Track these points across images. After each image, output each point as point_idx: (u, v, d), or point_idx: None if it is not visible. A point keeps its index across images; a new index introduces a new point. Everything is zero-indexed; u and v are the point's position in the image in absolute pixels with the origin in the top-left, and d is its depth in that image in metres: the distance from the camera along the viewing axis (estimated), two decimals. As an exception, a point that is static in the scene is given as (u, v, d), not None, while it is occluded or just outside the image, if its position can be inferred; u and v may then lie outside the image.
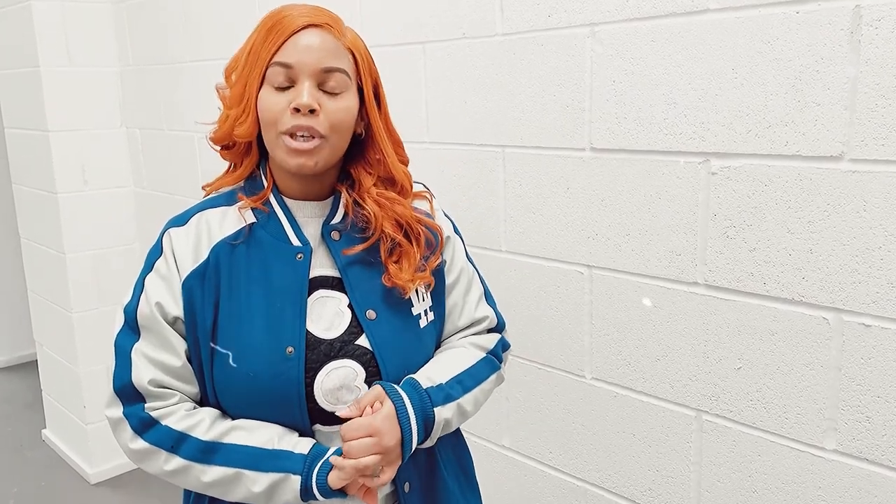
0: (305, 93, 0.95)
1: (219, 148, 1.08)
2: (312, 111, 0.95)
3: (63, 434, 3.27)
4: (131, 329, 1.01)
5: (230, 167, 1.11)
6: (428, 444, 1.02)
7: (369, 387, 1.00)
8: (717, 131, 1.27)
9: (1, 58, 3.02)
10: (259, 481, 0.95)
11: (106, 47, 2.91)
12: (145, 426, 0.97)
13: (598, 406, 1.54)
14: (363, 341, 1.01)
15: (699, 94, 1.28)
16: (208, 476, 0.96)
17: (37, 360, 3.37)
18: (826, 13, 1.12)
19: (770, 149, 1.21)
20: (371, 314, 1.02)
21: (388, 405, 0.96)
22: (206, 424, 0.97)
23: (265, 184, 1.05)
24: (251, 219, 1.04)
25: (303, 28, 0.96)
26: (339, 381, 0.99)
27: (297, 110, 0.95)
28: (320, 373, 0.98)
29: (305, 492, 0.95)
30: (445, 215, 1.17)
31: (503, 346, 1.18)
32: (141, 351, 0.99)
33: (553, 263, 1.57)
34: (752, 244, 1.26)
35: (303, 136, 0.96)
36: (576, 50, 1.45)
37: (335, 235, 1.04)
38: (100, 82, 2.91)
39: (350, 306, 1.02)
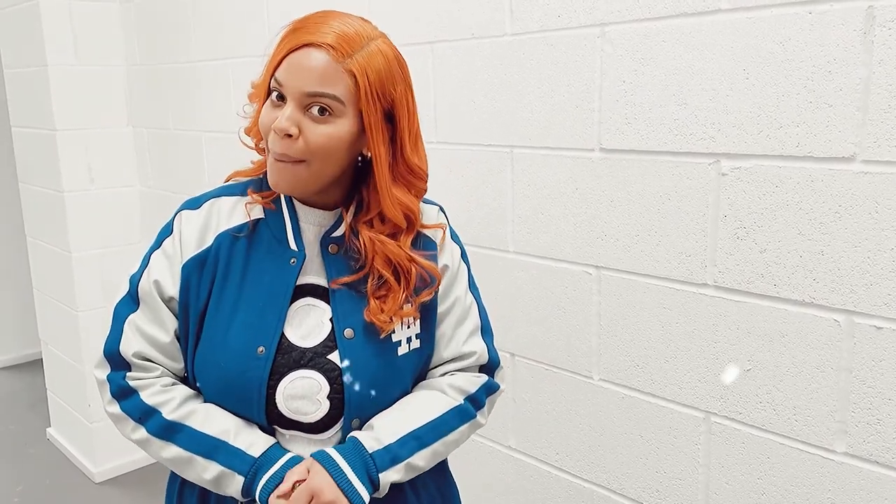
0: (283, 116, 0.93)
1: (252, 143, 1.09)
2: (289, 136, 0.94)
3: (68, 433, 3.27)
4: (132, 299, 1.04)
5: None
6: (380, 494, 1.01)
7: (331, 404, 1.00)
8: (727, 132, 1.27)
9: (9, 56, 3.03)
10: (209, 469, 0.98)
11: (113, 46, 2.91)
12: (123, 394, 1.02)
13: (606, 407, 1.54)
14: (335, 357, 1.01)
15: (710, 94, 1.28)
16: (166, 453, 1.00)
17: (42, 359, 3.37)
18: (839, 14, 1.12)
19: (781, 150, 1.21)
20: (349, 333, 1.01)
21: (316, 465, 0.97)
22: (174, 403, 1.01)
23: None
24: (258, 214, 1.05)
25: (301, 47, 0.94)
26: (301, 391, 0.99)
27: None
28: (285, 378, 0.99)
29: (247, 492, 0.98)
30: (456, 240, 1.15)
31: (488, 389, 1.12)
32: (134, 322, 1.03)
33: (561, 264, 1.56)
34: (762, 245, 1.25)
35: (283, 157, 0.96)
36: (586, 50, 1.44)
37: (332, 248, 1.04)
38: (107, 81, 2.91)
39: (332, 320, 1.02)
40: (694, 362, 1.38)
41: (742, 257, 1.28)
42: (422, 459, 1.03)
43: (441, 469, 1.17)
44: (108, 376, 1.03)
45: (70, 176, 2.85)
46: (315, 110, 0.94)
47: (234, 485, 0.98)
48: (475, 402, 1.10)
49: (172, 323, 1.03)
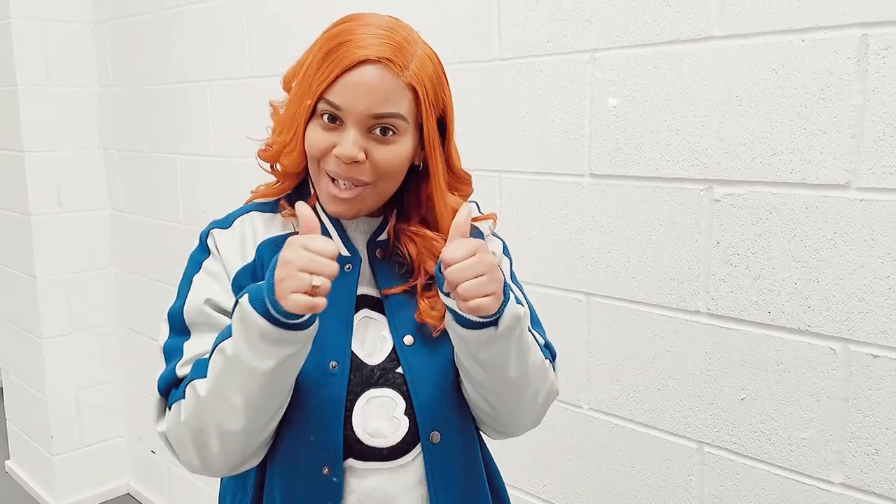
0: (349, 143, 0.88)
1: (268, 167, 1.03)
2: (356, 161, 0.89)
3: (28, 465, 3.13)
4: (178, 332, 0.94)
5: (276, 179, 1.05)
6: (500, 331, 0.88)
7: (409, 420, 0.94)
8: (720, 158, 1.26)
9: (-24, 76, 2.96)
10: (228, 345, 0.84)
11: (86, 67, 2.86)
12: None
13: (596, 438, 1.51)
14: (402, 370, 0.95)
15: (702, 120, 1.27)
16: (202, 390, 0.85)
17: (1, 388, 3.24)
18: (832, 42, 1.12)
19: (775, 176, 1.20)
20: (408, 340, 0.96)
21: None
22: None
23: (313, 191, 1.00)
24: (295, 227, 0.99)
25: (358, 64, 0.87)
26: (378, 411, 0.93)
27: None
28: (360, 398, 0.93)
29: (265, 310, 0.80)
30: (496, 235, 1.12)
31: (553, 364, 1.06)
32: (193, 347, 0.92)
33: (550, 290, 1.54)
34: (756, 272, 1.24)
35: (345, 185, 0.91)
36: (576, 75, 1.43)
37: (380, 254, 1.00)
38: (79, 102, 2.85)
39: (390, 332, 0.97)
40: (686, 391, 1.35)
41: (736, 284, 1.27)
42: (531, 341, 0.95)
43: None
44: (169, 401, 0.91)
45: (38, 198, 2.78)
46: (378, 131, 0.90)
47: (252, 322, 0.80)
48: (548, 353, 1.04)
49: None
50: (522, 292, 1.07)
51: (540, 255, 1.55)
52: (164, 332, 0.96)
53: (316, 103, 0.90)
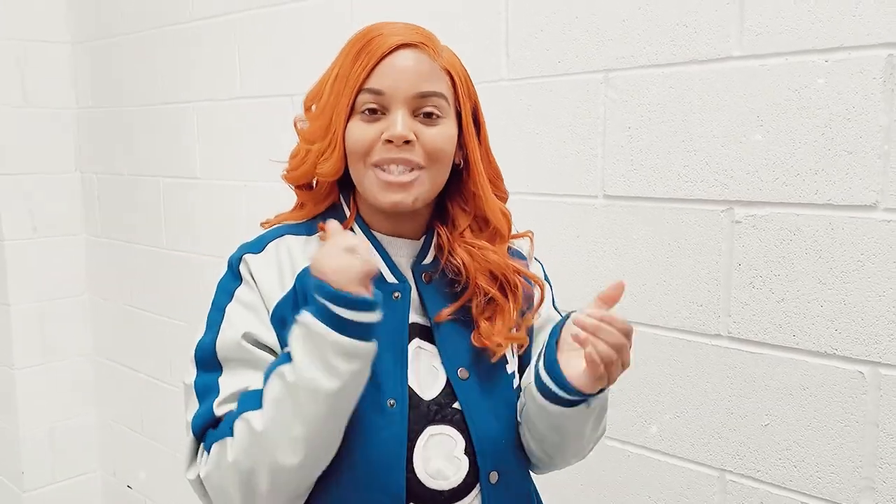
0: (399, 122, 0.85)
1: (294, 186, 0.97)
2: (408, 142, 0.86)
3: (-6, 503, 2.99)
4: (209, 369, 0.87)
5: (299, 204, 0.99)
6: (591, 407, 0.89)
7: (469, 460, 0.88)
8: (741, 179, 1.24)
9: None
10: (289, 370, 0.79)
11: (63, 88, 2.77)
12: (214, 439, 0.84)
13: (611, 466, 1.46)
14: (458, 405, 0.90)
15: (721, 141, 1.26)
16: (257, 424, 0.79)
17: (-32, 421, 3.10)
18: (856, 62, 1.12)
19: (799, 197, 1.19)
20: (463, 373, 0.91)
21: None
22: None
23: (348, 214, 0.95)
24: None
25: (395, 49, 0.86)
26: (441, 451, 0.88)
27: (391, 141, 0.86)
28: (420, 437, 0.87)
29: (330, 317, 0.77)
30: (535, 259, 1.08)
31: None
32: (230, 384, 0.85)
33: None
34: (780, 295, 1.22)
35: (398, 169, 0.87)
36: (588, 95, 1.41)
37: (426, 278, 0.94)
38: (55, 124, 2.76)
39: (442, 364, 0.91)
40: (707, 417, 1.32)
41: (758, 307, 1.24)
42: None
43: None
44: (205, 443, 0.84)
45: (10, 223, 2.67)
46: (424, 113, 0.88)
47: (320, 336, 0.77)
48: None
49: None
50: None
51: (551, 279, 1.51)
52: (192, 368, 0.89)
53: (354, 98, 0.87)
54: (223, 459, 0.81)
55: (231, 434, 0.81)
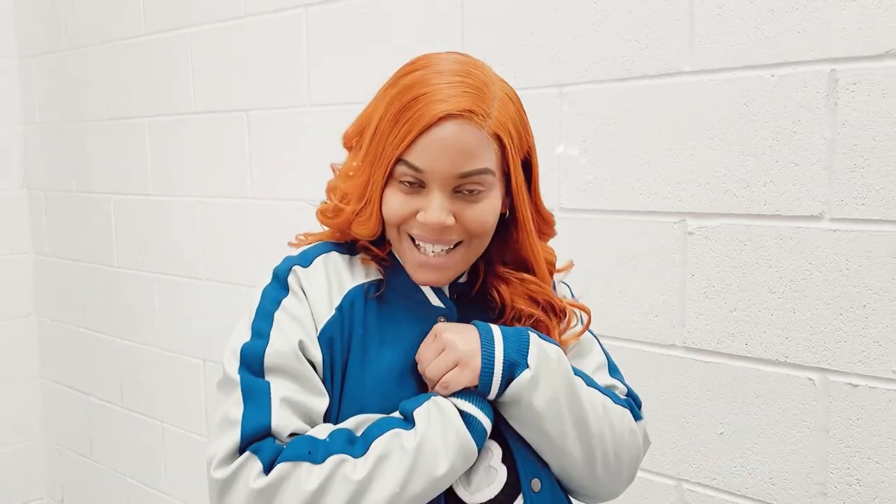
0: (437, 207, 0.81)
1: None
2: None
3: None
4: (255, 373, 0.82)
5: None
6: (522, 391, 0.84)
7: (506, 466, 0.87)
8: (693, 191, 1.27)
9: None
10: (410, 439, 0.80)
11: (9, 103, 2.71)
12: (277, 453, 0.79)
13: (569, 479, 1.46)
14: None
15: (673, 154, 1.28)
16: (361, 469, 0.77)
17: None
18: (801, 76, 1.15)
19: (749, 208, 1.21)
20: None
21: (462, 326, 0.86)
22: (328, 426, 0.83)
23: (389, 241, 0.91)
24: (376, 275, 0.90)
25: (437, 121, 0.79)
26: (476, 462, 0.85)
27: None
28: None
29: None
30: (563, 282, 1.06)
31: (636, 415, 0.96)
32: (280, 395, 0.80)
33: (518, 328, 1.51)
34: (732, 304, 1.24)
35: (434, 248, 0.84)
36: (544, 109, 1.43)
37: (457, 297, 0.92)
38: (1, 140, 2.69)
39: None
40: (663, 427, 1.33)
41: (712, 316, 1.26)
42: (585, 405, 0.87)
43: None
44: (252, 448, 0.78)
45: (-46, 242, 2.59)
46: (466, 190, 0.83)
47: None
48: (632, 408, 0.96)
49: (325, 393, 0.84)
50: (596, 338, 1.02)
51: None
52: (234, 362, 0.84)
53: (393, 166, 0.82)
54: (299, 482, 0.77)
55: (311, 460, 0.78)
